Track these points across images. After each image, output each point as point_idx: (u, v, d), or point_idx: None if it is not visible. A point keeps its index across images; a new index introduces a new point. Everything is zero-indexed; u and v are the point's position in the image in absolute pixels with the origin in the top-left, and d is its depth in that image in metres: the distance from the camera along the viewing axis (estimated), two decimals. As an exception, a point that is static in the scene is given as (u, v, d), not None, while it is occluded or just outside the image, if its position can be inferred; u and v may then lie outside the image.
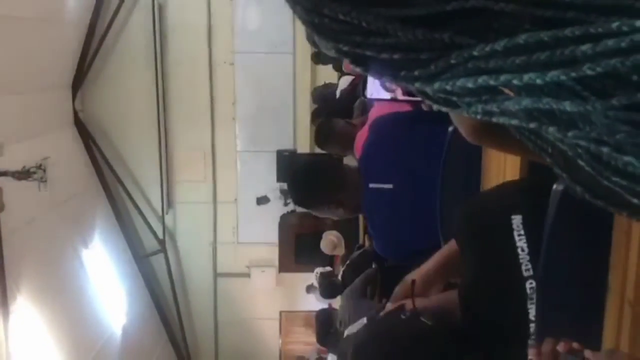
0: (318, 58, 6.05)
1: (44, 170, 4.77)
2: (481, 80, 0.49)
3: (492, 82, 0.49)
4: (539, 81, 0.47)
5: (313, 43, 4.89)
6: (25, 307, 5.08)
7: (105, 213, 7.47)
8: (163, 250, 8.01)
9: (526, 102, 0.49)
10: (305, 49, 6.89)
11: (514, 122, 0.51)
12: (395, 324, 1.23)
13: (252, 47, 7.62)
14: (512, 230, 1.08)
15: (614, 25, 0.43)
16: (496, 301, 1.14)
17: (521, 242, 1.08)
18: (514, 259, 1.08)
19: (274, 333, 8.55)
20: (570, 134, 0.49)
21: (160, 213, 7.90)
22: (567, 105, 0.46)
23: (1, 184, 4.50)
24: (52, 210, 5.94)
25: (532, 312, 1.06)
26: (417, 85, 0.55)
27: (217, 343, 8.70)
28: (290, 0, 0.57)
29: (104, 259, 6.90)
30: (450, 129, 1.90)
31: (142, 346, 7.46)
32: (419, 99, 1.97)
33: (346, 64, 4.08)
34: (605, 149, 0.48)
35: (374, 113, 2.81)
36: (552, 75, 0.46)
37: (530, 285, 1.07)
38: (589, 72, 0.44)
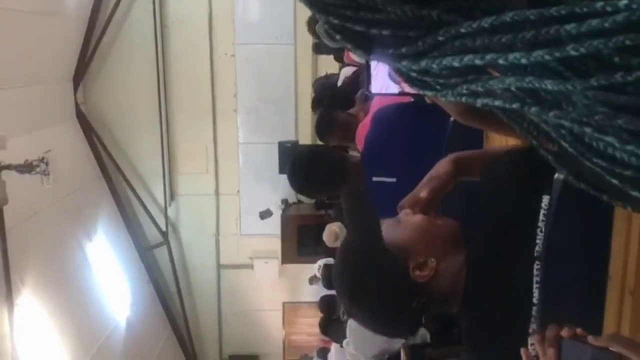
0: (319, 48, 6.03)
1: (47, 164, 4.76)
2: (467, 59, 0.49)
3: (477, 62, 0.49)
4: (523, 60, 0.47)
5: (313, 33, 4.87)
6: (29, 300, 5.11)
7: (108, 206, 7.49)
8: (166, 242, 8.03)
9: (510, 80, 0.49)
10: (306, 40, 6.86)
11: (498, 103, 0.51)
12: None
13: (253, 39, 7.61)
14: (540, 209, 1.08)
15: (599, 5, 0.43)
16: (504, 273, 1.13)
17: (542, 223, 1.08)
18: (532, 237, 1.08)
19: (277, 324, 8.59)
20: (551, 113, 0.49)
21: (162, 205, 7.92)
22: (549, 84, 0.47)
23: (4, 177, 4.50)
24: (55, 204, 5.96)
25: (535, 294, 1.06)
26: (403, 63, 0.55)
27: (221, 334, 8.75)
28: None
29: (107, 251, 6.93)
30: (452, 119, 1.89)
31: (146, 338, 7.50)
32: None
33: (347, 54, 4.06)
34: (587, 130, 0.48)
35: (375, 103, 2.79)
36: (537, 54, 0.46)
37: (537, 266, 1.07)
38: (572, 52, 0.45)
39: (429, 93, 0.56)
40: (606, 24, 0.43)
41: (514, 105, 0.51)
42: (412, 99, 2.64)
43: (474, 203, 1.34)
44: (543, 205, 1.08)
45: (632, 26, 0.42)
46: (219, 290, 8.51)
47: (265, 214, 7.38)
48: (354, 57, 3.17)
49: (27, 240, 5.31)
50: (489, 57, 0.48)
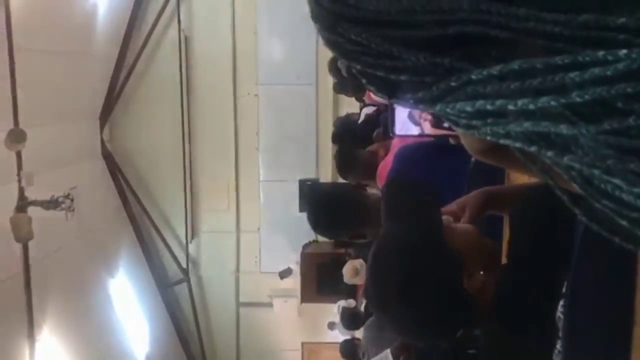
0: (340, 87, 6.10)
1: (72, 200, 4.86)
2: (478, 104, 0.52)
3: (488, 107, 0.52)
4: (531, 106, 0.49)
5: (334, 73, 4.94)
6: (50, 336, 5.13)
7: (130, 242, 7.56)
8: (186, 279, 8.04)
9: (527, 124, 0.51)
10: (327, 81, 6.97)
11: (518, 145, 0.53)
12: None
13: (276, 79, 7.74)
14: (572, 245, 1.07)
15: (600, 54, 0.46)
16: (531, 306, 1.10)
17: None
18: (562, 274, 1.06)
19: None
20: (566, 158, 0.51)
21: (184, 242, 7.96)
22: (564, 129, 0.48)
23: (30, 213, 4.59)
24: (78, 239, 6.03)
25: (560, 330, 1.05)
26: (420, 107, 0.59)
27: (240, 374, 8.65)
28: (313, 17, 0.61)
29: (128, 288, 6.96)
30: (473, 159, 1.89)
31: (165, 376, 7.45)
32: (445, 132, 1.97)
33: (368, 95, 4.10)
34: (596, 172, 0.50)
35: (396, 142, 2.80)
36: (543, 101, 0.48)
37: (562, 302, 1.06)
38: (577, 99, 0.47)
39: (460, 130, 0.59)
40: (608, 72, 0.45)
41: (532, 149, 0.53)
42: (432, 139, 2.65)
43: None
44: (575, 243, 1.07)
45: (633, 74, 0.45)
46: (237, 329, 8.45)
47: (285, 273, 7.33)
48: (375, 97, 3.21)
49: (50, 275, 5.36)
50: (498, 102, 0.51)
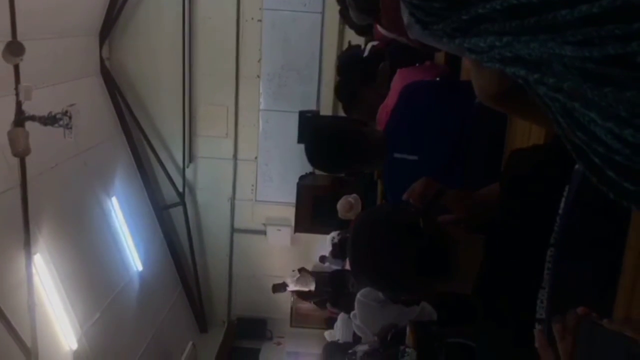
0: (344, 18, 5.94)
1: (70, 117, 4.82)
2: (489, 40, 0.58)
3: (497, 43, 0.58)
4: (532, 44, 0.55)
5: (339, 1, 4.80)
6: (46, 249, 5.23)
7: (127, 163, 7.58)
8: (182, 203, 8.13)
9: (534, 45, 0.55)
10: (334, 9, 6.80)
11: (522, 72, 0.58)
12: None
13: (281, 4, 7.53)
14: (562, 197, 1.09)
15: None
16: (518, 255, 1.14)
17: (562, 211, 1.09)
18: (550, 225, 1.09)
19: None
20: (566, 84, 0.55)
21: (181, 166, 7.99)
22: (569, 51, 0.52)
23: (28, 128, 4.57)
24: (75, 157, 6.05)
25: (546, 279, 1.07)
26: (444, 41, 0.65)
27: (231, 296, 8.90)
28: None
29: (125, 208, 7.03)
30: (477, 101, 1.87)
31: (158, 295, 7.65)
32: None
33: (376, 29, 4.00)
34: (577, 105, 0.54)
35: (398, 81, 2.76)
36: (541, 38, 0.54)
37: (550, 252, 1.08)
38: (570, 38, 0.51)
39: (472, 56, 0.64)
40: (594, 9, 0.49)
41: (536, 76, 0.57)
42: (434, 75, 2.60)
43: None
44: (564, 193, 1.09)
45: (619, 12, 0.48)
46: (231, 253, 8.63)
47: (278, 288, 7.26)
48: (383, 31, 3.13)
49: (47, 191, 5.40)
50: (505, 39, 0.57)
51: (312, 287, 6.83)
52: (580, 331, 0.84)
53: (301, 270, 7.05)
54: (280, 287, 7.21)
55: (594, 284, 1.10)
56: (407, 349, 2.70)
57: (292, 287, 7.06)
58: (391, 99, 2.44)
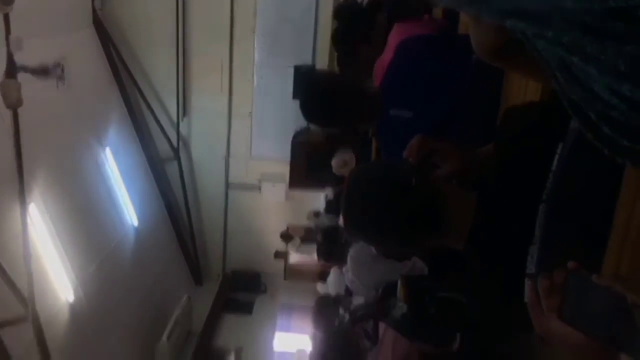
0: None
1: (62, 69, 4.75)
2: None
3: None
4: None
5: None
6: (41, 198, 5.23)
7: (121, 116, 7.51)
8: (177, 157, 8.11)
9: None
10: (331, -38, 6.66)
11: (521, 25, 0.58)
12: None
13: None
14: (555, 154, 1.09)
15: None
16: (510, 211, 1.16)
17: (554, 168, 1.09)
18: (543, 181, 1.10)
19: (280, 245, 8.78)
20: (565, 38, 0.55)
21: (175, 120, 7.94)
22: (569, 3, 0.53)
23: (19, 79, 4.50)
24: (69, 109, 5.98)
25: (536, 235, 1.09)
26: None
27: (225, 250, 8.98)
28: None
29: (119, 160, 7.00)
30: (474, 57, 1.85)
31: (153, 249, 7.71)
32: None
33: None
34: (575, 59, 0.54)
35: (394, 36, 2.72)
36: None
37: (542, 208, 1.09)
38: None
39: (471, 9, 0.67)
40: None
41: (535, 29, 0.57)
42: (432, 30, 2.56)
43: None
44: (558, 151, 1.09)
45: None
46: (225, 208, 8.67)
47: (281, 255, 7.32)
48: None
49: (40, 143, 5.36)
50: None
51: (314, 256, 6.92)
52: (569, 285, 0.85)
53: (289, 229, 7.12)
54: (282, 255, 7.34)
55: (584, 241, 1.12)
56: (398, 303, 2.75)
57: (294, 257, 7.15)
58: (387, 54, 2.41)
